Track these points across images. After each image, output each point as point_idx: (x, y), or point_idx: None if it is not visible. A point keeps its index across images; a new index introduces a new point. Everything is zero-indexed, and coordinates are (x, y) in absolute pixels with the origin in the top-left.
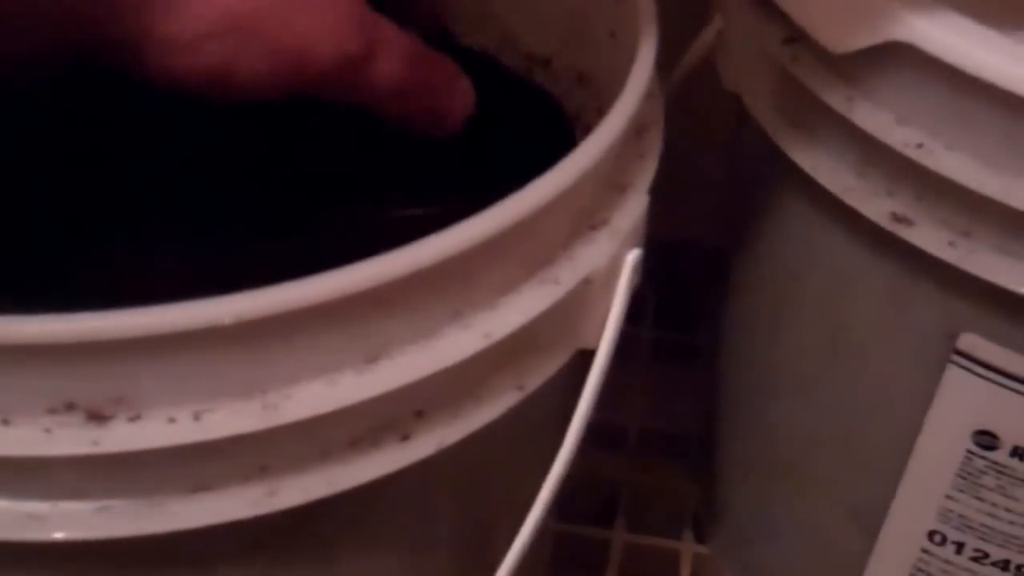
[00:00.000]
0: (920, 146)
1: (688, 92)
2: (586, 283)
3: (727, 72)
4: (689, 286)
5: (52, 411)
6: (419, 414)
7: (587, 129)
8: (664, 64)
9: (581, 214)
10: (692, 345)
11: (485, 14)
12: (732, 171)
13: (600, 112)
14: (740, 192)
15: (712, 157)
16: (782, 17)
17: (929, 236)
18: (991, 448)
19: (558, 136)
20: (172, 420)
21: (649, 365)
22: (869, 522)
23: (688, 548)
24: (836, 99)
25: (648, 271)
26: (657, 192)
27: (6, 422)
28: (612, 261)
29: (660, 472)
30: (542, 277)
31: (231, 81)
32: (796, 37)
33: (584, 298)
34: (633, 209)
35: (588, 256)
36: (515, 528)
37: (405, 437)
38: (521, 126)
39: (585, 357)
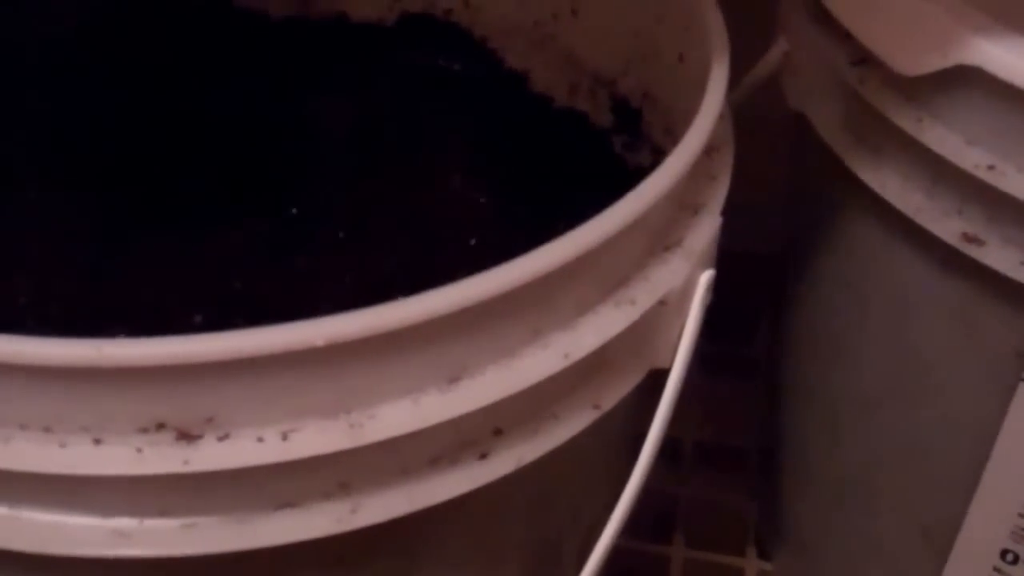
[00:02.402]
0: (991, 168)
1: (741, 106)
2: (661, 304)
3: (793, 92)
4: (741, 296)
5: (143, 430)
6: (497, 432)
7: (654, 148)
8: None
9: (656, 235)
10: (746, 356)
11: (545, 36)
12: (792, 189)
13: (667, 131)
14: (802, 209)
15: (762, 167)
16: (849, 39)
17: (1001, 256)
18: None
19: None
20: (260, 439)
21: (702, 376)
22: (940, 540)
23: (752, 565)
24: (906, 120)
25: None
26: None
27: (98, 441)
28: (686, 282)
29: (717, 485)
30: (619, 298)
31: None
32: (864, 59)
33: (659, 318)
34: (706, 230)
35: (663, 277)
36: (585, 541)
37: (484, 455)
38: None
39: (656, 375)
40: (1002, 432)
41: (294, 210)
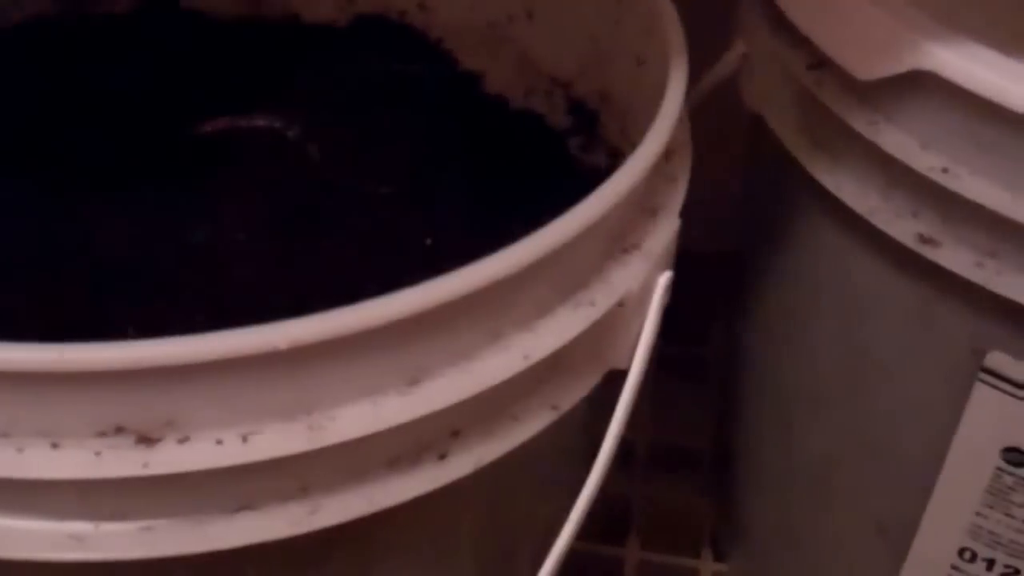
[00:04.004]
0: (945, 171)
1: (704, 105)
2: (619, 305)
3: (750, 94)
4: (695, 298)
5: (102, 434)
6: (456, 434)
7: (610, 149)
8: None
9: (615, 238)
10: (699, 357)
11: (500, 38)
12: (748, 189)
13: (624, 133)
14: (759, 210)
15: (716, 169)
16: (807, 43)
17: (956, 257)
18: (1020, 465)
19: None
20: (219, 442)
21: (655, 377)
22: (897, 538)
23: (707, 567)
24: (861, 123)
25: None
26: None
27: (55, 445)
28: (644, 284)
29: (670, 487)
30: (577, 300)
31: None
32: (821, 63)
33: (617, 320)
34: (664, 232)
35: (622, 279)
36: (541, 544)
37: (443, 456)
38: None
39: (613, 377)
40: (959, 430)
41: (249, 214)
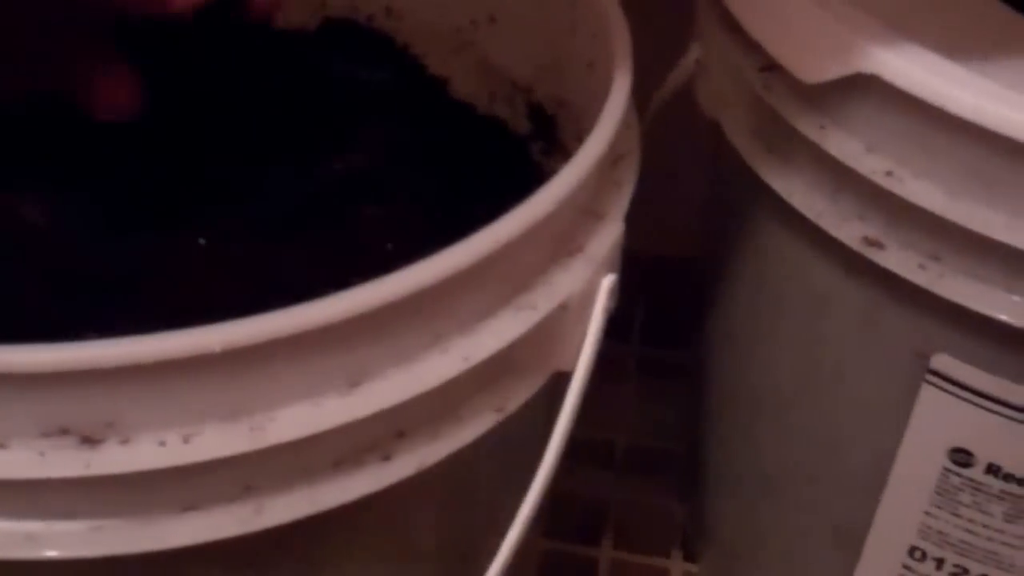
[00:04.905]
0: (889, 173)
1: (674, 110)
2: (562, 308)
3: (705, 99)
4: (676, 302)
5: (46, 435)
6: (400, 435)
7: (567, 155)
8: (647, 86)
9: (558, 241)
10: (679, 361)
11: (464, 42)
12: (710, 193)
13: (580, 138)
14: (719, 214)
15: (701, 176)
16: (757, 47)
17: (900, 259)
18: (966, 465)
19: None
20: (162, 443)
21: (636, 381)
22: (852, 539)
23: (677, 566)
24: (809, 127)
25: (636, 287)
26: (645, 210)
27: (2, 446)
28: (587, 287)
29: (647, 489)
30: (519, 303)
31: None
32: (771, 67)
33: (560, 323)
34: (608, 236)
35: (564, 282)
36: (498, 544)
37: (386, 457)
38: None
39: (564, 378)
40: (907, 431)
41: (209, 216)
